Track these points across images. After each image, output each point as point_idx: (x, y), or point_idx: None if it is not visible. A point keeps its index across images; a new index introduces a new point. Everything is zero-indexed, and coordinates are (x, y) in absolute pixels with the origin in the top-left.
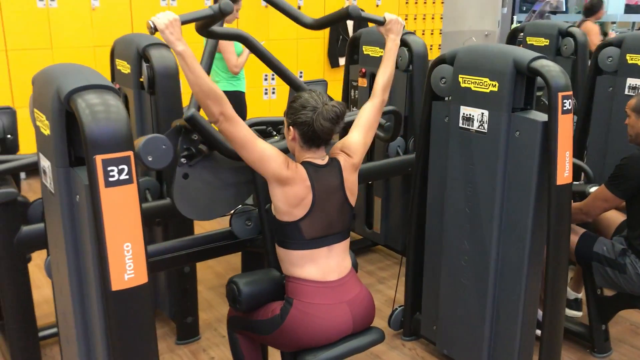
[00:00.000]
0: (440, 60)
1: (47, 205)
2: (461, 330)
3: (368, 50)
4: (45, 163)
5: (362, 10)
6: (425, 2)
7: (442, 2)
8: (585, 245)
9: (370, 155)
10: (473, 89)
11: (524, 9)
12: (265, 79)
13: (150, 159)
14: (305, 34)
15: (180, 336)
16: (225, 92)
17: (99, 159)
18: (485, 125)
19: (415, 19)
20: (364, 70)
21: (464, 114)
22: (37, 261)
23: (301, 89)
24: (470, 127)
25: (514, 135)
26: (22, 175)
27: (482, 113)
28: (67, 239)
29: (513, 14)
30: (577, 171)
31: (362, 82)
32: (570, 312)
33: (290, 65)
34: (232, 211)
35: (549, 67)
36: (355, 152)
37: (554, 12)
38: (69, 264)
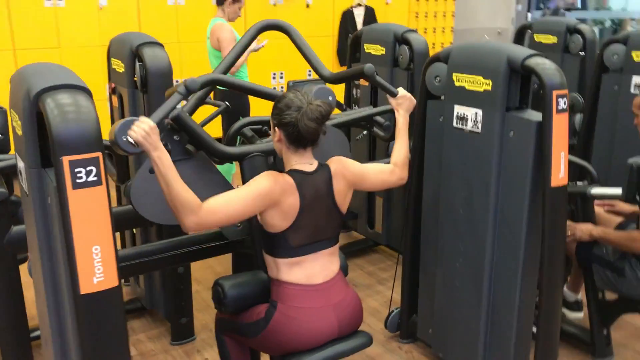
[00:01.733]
0: (435, 59)
1: (24, 207)
2: (456, 333)
3: (370, 48)
4: (20, 164)
5: (376, 73)
6: (436, 0)
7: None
8: (586, 247)
9: (371, 155)
10: (467, 87)
11: (541, 6)
12: (274, 78)
13: (124, 139)
14: (313, 32)
15: (174, 337)
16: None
17: (66, 160)
18: (479, 125)
19: (426, 16)
20: None
21: (458, 113)
22: None
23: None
24: (464, 127)
25: (509, 136)
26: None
27: (476, 112)
28: (40, 240)
29: (528, 10)
30: (580, 171)
31: (364, 82)
32: (571, 315)
33: (299, 64)
34: None
35: (544, 65)
36: (352, 171)
37: (568, 9)
38: (43, 266)
